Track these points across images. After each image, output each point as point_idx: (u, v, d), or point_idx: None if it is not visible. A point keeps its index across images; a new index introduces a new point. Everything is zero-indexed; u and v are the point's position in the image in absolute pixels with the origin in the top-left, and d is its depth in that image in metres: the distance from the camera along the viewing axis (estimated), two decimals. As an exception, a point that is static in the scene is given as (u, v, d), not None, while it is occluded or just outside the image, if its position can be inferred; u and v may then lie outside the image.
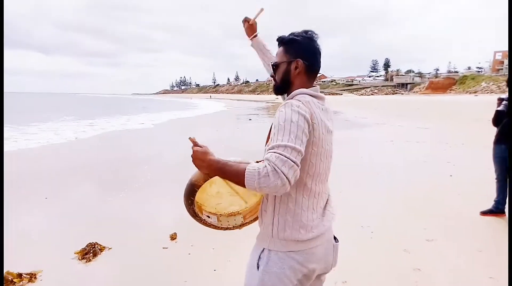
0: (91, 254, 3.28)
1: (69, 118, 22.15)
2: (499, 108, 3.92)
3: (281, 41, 1.48)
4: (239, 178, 1.19)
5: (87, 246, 3.38)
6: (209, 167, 1.31)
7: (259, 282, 1.39)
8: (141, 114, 28.13)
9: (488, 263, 3.05)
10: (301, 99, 1.33)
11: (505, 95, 3.98)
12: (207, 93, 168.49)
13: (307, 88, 1.42)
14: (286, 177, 1.14)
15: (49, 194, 5.28)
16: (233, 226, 1.66)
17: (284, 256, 1.37)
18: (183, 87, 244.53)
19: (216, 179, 1.49)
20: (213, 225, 1.64)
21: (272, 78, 1.55)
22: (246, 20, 2.05)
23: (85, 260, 3.21)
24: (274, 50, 1.63)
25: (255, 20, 2.05)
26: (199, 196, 1.52)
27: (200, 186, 1.47)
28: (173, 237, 3.68)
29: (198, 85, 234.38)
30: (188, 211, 1.58)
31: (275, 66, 1.50)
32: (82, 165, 7.60)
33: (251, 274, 1.45)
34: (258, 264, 1.41)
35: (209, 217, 1.61)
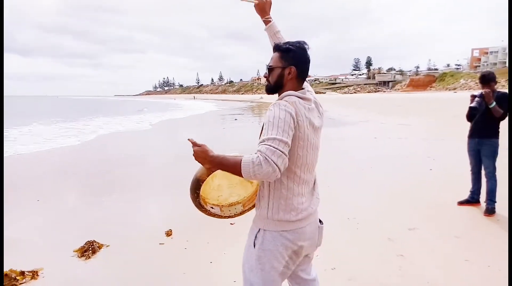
0: (90, 251, 3.39)
1: (57, 121, 21.81)
2: (471, 105, 4.19)
3: (278, 48, 1.66)
4: (237, 169, 1.40)
5: (85, 244, 3.48)
6: (210, 162, 1.50)
7: (256, 259, 1.61)
8: (131, 115, 27.94)
9: (465, 248, 3.30)
10: (288, 100, 1.54)
11: (477, 92, 4.24)
12: (190, 93, 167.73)
13: (295, 91, 1.62)
14: (276, 165, 1.35)
15: (42, 196, 5.33)
16: (234, 214, 1.87)
17: (277, 235, 1.59)
18: (166, 88, 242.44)
19: (217, 173, 1.69)
20: (217, 214, 1.84)
21: (265, 78, 1.73)
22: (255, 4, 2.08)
23: (85, 257, 3.32)
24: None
25: (249, 0, 2.07)
26: (202, 189, 1.70)
27: (204, 180, 1.67)
28: (168, 233, 3.81)
29: (181, 85, 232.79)
30: (194, 203, 1.76)
31: (270, 69, 1.68)
32: (76, 167, 7.63)
33: (248, 252, 1.67)
34: (254, 242, 1.63)
35: (212, 208, 1.81)
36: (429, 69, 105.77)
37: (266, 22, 2.08)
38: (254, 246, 1.63)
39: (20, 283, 2.86)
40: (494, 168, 4.12)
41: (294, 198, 1.59)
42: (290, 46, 1.62)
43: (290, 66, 1.61)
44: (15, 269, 2.96)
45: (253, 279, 1.62)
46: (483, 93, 4.07)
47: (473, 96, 4.21)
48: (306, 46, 1.65)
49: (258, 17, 2.13)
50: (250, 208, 1.85)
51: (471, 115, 4.24)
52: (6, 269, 2.94)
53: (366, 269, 2.97)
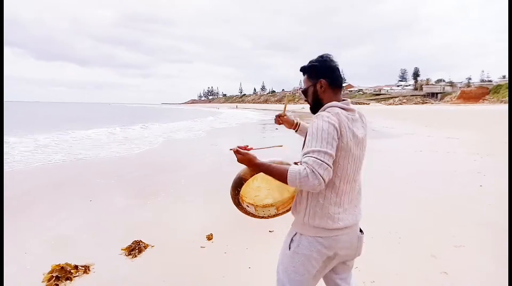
0: (137, 250, 3.59)
1: (111, 127, 23.06)
2: None
3: (303, 70, 1.76)
4: (283, 177, 1.48)
5: (132, 243, 3.69)
6: (256, 168, 1.61)
7: (290, 260, 1.67)
8: (177, 122, 28.99)
9: (516, 269, 3.12)
10: (330, 111, 1.59)
11: None
12: (233, 102, 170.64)
13: (336, 101, 1.67)
14: (322, 178, 1.41)
15: (95, 197, 5.70)
16: (268, 216, 1.96)
17: (313, 240, 1.63)
18: (210, 97, 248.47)
19: (259, 175, 1.78)
20: (251, 213, 1.95)
21: (306, 102, 1.81)
22: (278, 117, 2.16)
23: (131, 255, 3.52)
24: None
25: (285, 112, 2.16)
26: (242, 188, 1.80)
27: (247, 180, 1.78)
28: (209, 237, 3.94)
29: (225, 95, 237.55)
30: (233, 200, 1.87)
31: (305, 92, 1.78)
32: (126, 171, 8.06)
33: (284, 254, 1.73)
34: (290, 245, 1.69)
35: (248, 206, 1.92)
36: (482, 80, 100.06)
37: (295, 127, 2.14)
38: (290, 248, 1.68)
39: (74, 276, 3.09)
40: None
41: (330, 207, 1.61)
42: (313, 63, 1.72)
43: (319, 79, 1.68)
44: (70, 262, 3.21)
45: (286, 280, 1.68)
46: None
47: None
48: (329, 57, 1.72)
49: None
50: (284, 212, 1.93)
51: None
52: (61, 262, 3.20)
53: (407, 284, 2.90)
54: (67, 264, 3.18)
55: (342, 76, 1.75)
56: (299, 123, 2.14)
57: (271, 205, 1.94)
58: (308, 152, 1.46)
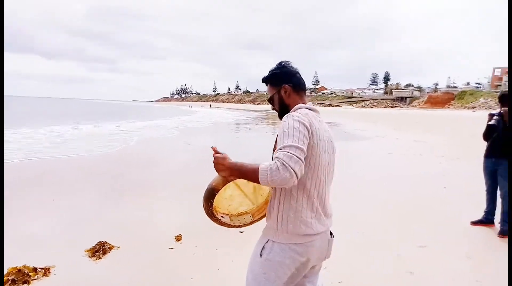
0: (101, 252, 3.46)
1: (73, 123, 22.32)
2: (490, 123, 4.14)
3: (265, 80, 1.79)
4: (254, 174, 1.43)
5: (97, 244, 3.56)
6: (229, 169, 1.55)
7: (261, 268, 1.63)
8: (143, 120, 28.40)
9: (476, 269, 3.24)
10: (300, 112, 1.60)
11: (495, 111, 4.20)
12: (207, 101, 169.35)
13: (303, 103, 1.69)
14: (294, 170, 1.38)
15: (58, 196, 5.46)
16: (244, 224, 1.89)
17: (286, 247, 1.60)
18: (183, 95, 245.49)
19: (230, 184, 1.72)
20: (227, 224, 1.87)
21: (274, 110, 1.81)
22: None
23: (95, 257, 3.39)
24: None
25: None
26: (215, 199, 1.73)
27: (219, 190, 1.69)
28: (178, 238, 3.86)
29: (198, 93, 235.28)
30: (207, 212, 1.78)
31: (271, 100, 1.79)
32: (92, 170, 7.79)
33: (254, 262, 1.69)
34: (261, 253, 1.64)
35: (223, 217, 1.84)
36: (448, 86, 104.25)
37: None
38: (261, 256, 1.64)
39: (32, 279, 2.94)
40: (507, 189, 4.05)
41: (303, 210, 1.59)
42: (272, 71, 1.76)
43: (283, 85, 1.71)
44: (29, 265, 3.05)
45: None
46: (502, 111, 4.03)
47: (491, 115, 4.17)
48: (287, 63, 1.77)
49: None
50: (260, 219, 1.87)
51: (489, 133, 4.19)
52: (19, 264, 3.03)
53: (374, 284, 2.94)
54: (25, 266, 3.01)
55: (302, 79, 1.77)
56: None
57: (246, 213, 1.88)
58: (280, 148, 1.44)
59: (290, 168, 1.37)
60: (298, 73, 1.76)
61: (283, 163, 1.37)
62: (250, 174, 1.46)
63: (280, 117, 1.73)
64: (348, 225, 4.26)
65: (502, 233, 3.98)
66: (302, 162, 1.42)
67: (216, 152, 1.58)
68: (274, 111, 1.80)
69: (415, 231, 4.14)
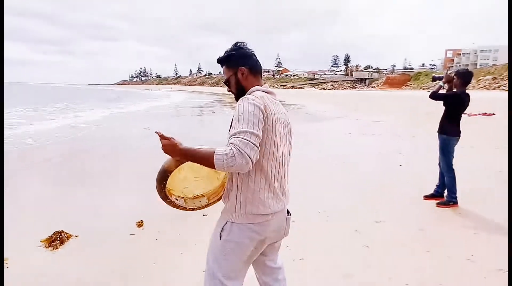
0: (58, 241, 3.34)
1: (27, 108, 21.04)
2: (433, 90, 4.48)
3: (221, 61, 1.75)
4: (210, 161, 1.42)
5: (53, 234, 3.42)
6: (180, 155, 1.53)
7: (221, 249, 1.65)
8: (104, 105, 27.30)
9: (427, 240, 3.45)
10: (255, 95, 1.59)
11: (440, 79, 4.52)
12: (168, 84, 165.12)
13: (259, 86, 1.68)
14: (249, 157, 1.39)
15: (8, 186, 5.16)
16: (199, 207, 1.89)
17: (244, 227, 1.62)
18: (143, 78, 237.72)
19: (184, 166, 1.69)
20: (181, 206, 1.85)
21: (229, 92, 1.78)
22: None
23: (52, 247, 3.27)
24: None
25: None
26: (169, 181, 1.70)
27: (172, 171, 1.66)
28: (139, 224, 3.80)
29: (159, 76, 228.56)
30: (160, 194, 1.75)
31: (227, 82, 1.76)
32: (45, 156, 7.42)
33: (214, 243, 1.70)
34: (221, 234, 1.65)
35: (177, 200, 1.82)
36: (405, 68, 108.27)
37: None
38: (220, 237, 1.65)
39: (-17, 273, 2.78)
40: (446, 164, 4.33)
41: (261, 191, 1.61)
42: (228, 53, 1.72)
43: (239, 67, 1.69)
44: (-22, 259, 2.88)
45: (216, 268, 1.66)
46: (447, 73, 4.44)
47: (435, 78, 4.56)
48: (243, 44, 1.74)
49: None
50: (215, 201, 1.87)
51: (435, 92, 4.43)
52: (-32, 259, 2.86)
53: (333, 259, 3.06)
54: (-26, 260, 2.85)
55: (259, 61, 1.76)
56: None
57: (202, 196, 1.87)
58: (234, 134, 1.43)
59: (246, 154, 1.37)
60: (254, 55, 1.74)
61: (239, 150, 1.37)
62: (205, 160, 1.44)
63: (237, 99, 1.71)
64: (309, 204, 4.38)
65: (438, 203, 4.40)
66: (257, 148, 1.43)
67: (162, 137, 1.54)
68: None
69: (373, 208, 4.33)
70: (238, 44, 1.74)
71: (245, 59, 1.71)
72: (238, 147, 1.37)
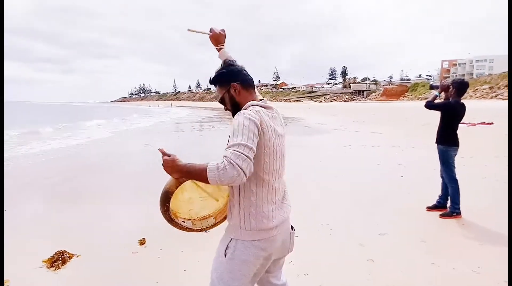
0: (60, 261, 3.30)
1: (29, 128, 21.07)
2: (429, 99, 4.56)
3: (213, 81, 1.78)
4: (203, 175, 1.42)
5: (55, 254, 3.39)
6: (178, 171, 1.53)
7: (226, 267, 1.64)
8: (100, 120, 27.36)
9: (431, 252, 3.43)
10: (251, 109, 1.60)
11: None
12: (167, 100, 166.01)
13: (253, 100, 1.70)
14: (241, 168, 1.38)
15: (8, 205, 5.14)
16: (207, 227, 1.87)
17: (249, 244, 1.62)
18: (142, 95, 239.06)
19: (186, 186, 1.68)
20: (189, 228, 1.83)
21: (226, 110, 1.80)
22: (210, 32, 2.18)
23: (54, 267, 3.23)
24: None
25: (202, 32, 2.17)
26: (173, 203, 1.69)
27: (173, 192, 1.64)
28: (141, 242, 3.77)
29: (158, 92, 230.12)
30: (165, 217, 1.74)
31: (221, 100, 1.78)
32: (44, 175, 7.40)
33: (218, 261, 1.69)
34: (225, 252, 1.65)
35: (184, 222, 1.80)
36: (402, 79, 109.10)
37: (219, 49, 2.15)
38: (225, 255, 1.64)
39: (-16, 296, 2.75)
40: (448, 175, 4.34)
41: (264, 205, 1.62)
42: (219, 72, 1.75)
43: (231, 84, 1.70)
44: (-21, 281, 2.85)
45: None
46: (442, 83, 4.46)
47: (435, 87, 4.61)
48: (230, 61, 1.80)
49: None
50: (222, 220, 1.86)
51: (430, 101, 4.50)
52: (-31, 281, 2.83)
53: (337, 274, 3.03)
54: (-25, 283, 2.82)
55: (249, 75, 1.77)
56: (223, 49, 2.12)
57: (209, 216, 1.85)
58: (228, 147, 1.45)
59: (237, 166, 1.37)
60: (245, 70, 1.76)
61: (230, 162, 1.38)
62: (199, 175, 1.45)
63: (234, 115, 1.74)
64: (311, 218, 4.36)
65: (442, 214, 4.38)
66: (251, 160, 1.43)
67: (164, 154, 1.55)
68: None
69: (376, 220, 4.31)
70: (227, 62, 1.78)
71: (236, 75, 1.72)
72: (229, 159, 1.38)
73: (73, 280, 3.05)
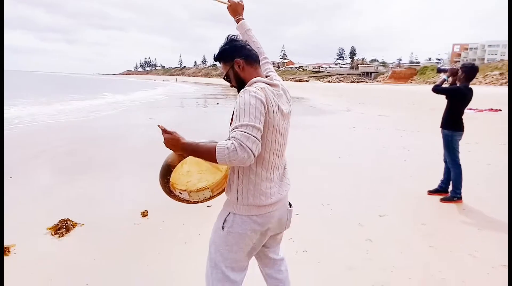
0: (64, 229, 3.38)
1: (33, 99, 21.12)
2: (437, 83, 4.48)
3: (216, 58, 1.75)
4: (211, 155, 1.41)
5: (59, 222, 3.47)
6: (183, 149, 1.52)
7: (224, 240, 1.67)
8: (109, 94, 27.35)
9: (429, 234, 3.46)
10: (257, 86, 1.57)
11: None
12: (173, 75, 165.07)
13: (259, 76, 1.67)
14: (251, 150, 1.38)
15: (15, 174, 5.22)
16: (203, 199, 1.90)
17: (247, 219, 1.64)
18: (147, 69, 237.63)
19: (187, 159, 1.69)
20: (186, 200, 1.86)
21: (232, 87, 1.78)
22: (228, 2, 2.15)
23: (58, 235, 3.31)
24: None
25: (220, 1, 2.13)
26: (172, 176, 1.70)
27: (175, 166, 1.65)
28: (144, 214, 3.83)
29: (163, 66, 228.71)
30: (164, 189, 1.76)
31: (226, 77, 1.75)
32: (50, 146, 7.46)
33: (216, 234, 1.72)
34: (223, 226, 1.67)
35: (181, 193, 1.83)
36: (411, 62, 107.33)
37: (238, 20, 2.13)
38: (223, 229, 1.67)
39: (-9, 259, 2.83)
40: (452, 160, 4.33)
41: (262, 183, 1.62)
42: (221, 48, 1.72)
43: (235, 60, 1.67)
44: (-14, 245, 2.93)
45: (219, 258, 1.68)
46: (452, 67, 4.40)
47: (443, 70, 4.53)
48: (234, 36, 1.75)
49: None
50: (219, 193, 1.88)
51: (438, 85, 4.44)
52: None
53: (335, 252, 3.08)
54: (-19, 246, 2.90)
55: (254, 50, 1.74)
56: (243, 20, 2.12)
57: (205, 188, 1.87)
58: (236, 127, 1.43)
59: (247, 148, 1.37)
60: (248, 45, 1.73)
61: (240, 144, 1.37)
62: (207, 155, 1.44)
63: (239, 92, 1.72)
64: (312, 197, 4.39)
65: (442, 199, 4.39)
66: (259, 141, 1.43)
67: (164, 131, 1.53)
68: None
69: (377, 202, 4.34)
70: (230, 37, 1.74)
71: (239, 50, 1.69)
72: (239, 141, 1.37)
73: (76, 247, 3.13)
